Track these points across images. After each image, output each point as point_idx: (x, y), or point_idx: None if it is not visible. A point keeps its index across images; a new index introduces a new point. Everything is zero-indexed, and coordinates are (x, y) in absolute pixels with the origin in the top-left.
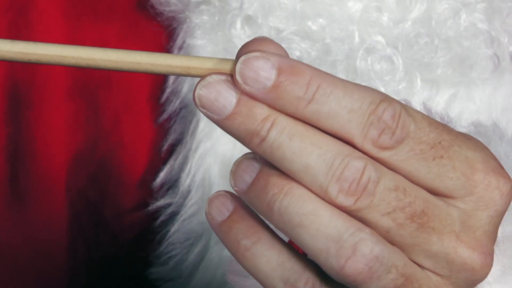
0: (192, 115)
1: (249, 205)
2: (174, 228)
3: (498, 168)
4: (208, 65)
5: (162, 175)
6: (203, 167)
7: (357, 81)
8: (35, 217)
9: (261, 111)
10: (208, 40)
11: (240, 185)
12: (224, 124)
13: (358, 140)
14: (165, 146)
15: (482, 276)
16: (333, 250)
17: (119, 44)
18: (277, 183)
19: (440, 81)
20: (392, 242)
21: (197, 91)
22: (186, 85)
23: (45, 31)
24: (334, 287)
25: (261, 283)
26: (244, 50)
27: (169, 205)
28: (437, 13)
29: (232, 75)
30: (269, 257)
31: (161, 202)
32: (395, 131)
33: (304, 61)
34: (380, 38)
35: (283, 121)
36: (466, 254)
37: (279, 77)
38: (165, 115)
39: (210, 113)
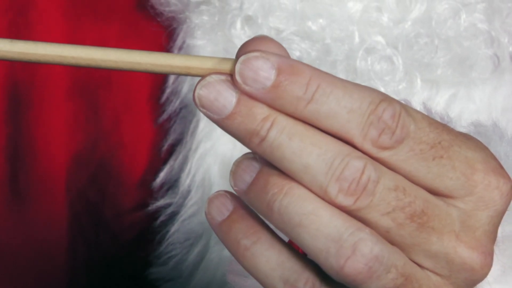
0: (192, 115)
1: (249, 205)
2: (174, 228)
3: (498, 168)
4: (208, 64)
5: (162, 175)
6: (203, 167)
7: (357, 81)
8: (35, 217)
9: (261, 111)
10: (208, 40)
11: (240, 185)
12: (224, 124)
13: (357, 140)
14: (165, 146)
15: (482, 276)
16: (332, 250)
17: (119, 44)
18: (277, 183)
19: (440, 81)
20: (392, 242)
21: (197, 91)
22: (186, 85)
23: (45, 31)
24: (334, 287)
25: (261, 283)
26: (244, 49)
27: (169, 205)
28: (437, 13)
29: (232, 74)
30: (269, 257)
31: (161, 202)
32: (395, 131)
33: (304, 61)
34: (380, 38)
35: (283, 121)
36: (466, 254)
37: (279, 77)
38: (165, 115)
39: (210, 113)
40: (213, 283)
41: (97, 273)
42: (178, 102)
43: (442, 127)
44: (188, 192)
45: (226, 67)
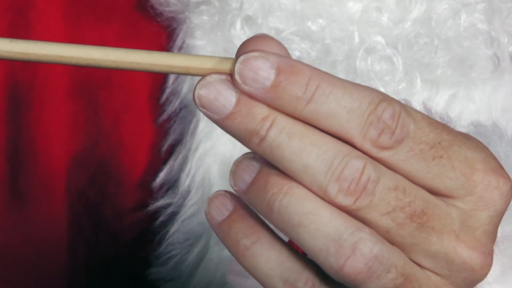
0: (192, 115)
1: (248, 205)
2: (173, 228)
3: (498, 168)
4: (208, 64)
5: (162, 175)
6: (203, 167)
7: (357, 81)
8: (35, 217)
9: (261, 110)
10: (208, 41)
11: (239, 185)
12: (223, 123)
13: (357, 140)
14: (165, 146)
15: (482, 275)
16: (332, 250)
17: (119, 44)
18: (276, 183)
19: (440, 81)
20: (391, 241)
21: (197, 90)
22: (186, 85)
23: (45, 31)
24: (333, 286)
25: (261, 282)
26: (244, 48)
27: (168, 205)
28: (437, 14)
29: (232, 74)
30: (269, 257)
31: (160, 203)
32: (394, 131)
33: (304, 62)
34: (380, 39)
35: (283, 121)
36: (466, 254)
37: (278, 77)
38: (165, 115)
39: (210, 113)
40: (213, 283)
41: (97, 273)
42: (178, 102)
43: (442, 127)
44: (188, 192)
45: (226, 67)
